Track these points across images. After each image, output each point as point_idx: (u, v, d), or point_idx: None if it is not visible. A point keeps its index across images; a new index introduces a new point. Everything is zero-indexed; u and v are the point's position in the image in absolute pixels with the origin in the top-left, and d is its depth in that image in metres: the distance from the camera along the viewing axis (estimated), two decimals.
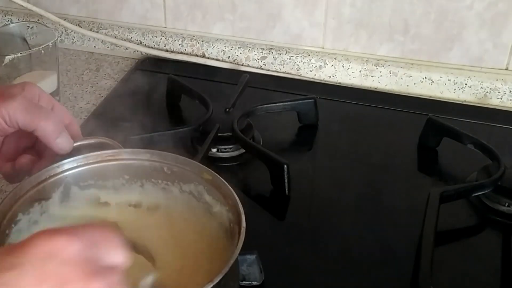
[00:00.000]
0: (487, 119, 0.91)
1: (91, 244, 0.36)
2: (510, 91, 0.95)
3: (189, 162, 0.60)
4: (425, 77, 0.98)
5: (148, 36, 1.10)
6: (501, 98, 0.96)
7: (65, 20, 1.12)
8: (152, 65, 1.06)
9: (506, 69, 0.96)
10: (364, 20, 0.99)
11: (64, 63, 1.09)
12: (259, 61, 1.04)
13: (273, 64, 1.04)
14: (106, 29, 1.12)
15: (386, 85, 1.00)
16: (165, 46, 1.09)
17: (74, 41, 1.15)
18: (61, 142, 0.58)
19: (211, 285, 0.46)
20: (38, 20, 1.08)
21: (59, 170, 0.60)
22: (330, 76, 1.02)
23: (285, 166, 0.74)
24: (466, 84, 0.96)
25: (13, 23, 1.01)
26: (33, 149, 0.63)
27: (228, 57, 1.06)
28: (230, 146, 0.82)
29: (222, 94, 0.90)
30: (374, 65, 1.00)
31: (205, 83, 0.94)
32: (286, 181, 0.75)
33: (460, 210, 0.74)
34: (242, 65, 1.05)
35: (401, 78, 0.99)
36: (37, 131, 0.57)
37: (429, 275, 0.60)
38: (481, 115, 0.92)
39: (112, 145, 0.63)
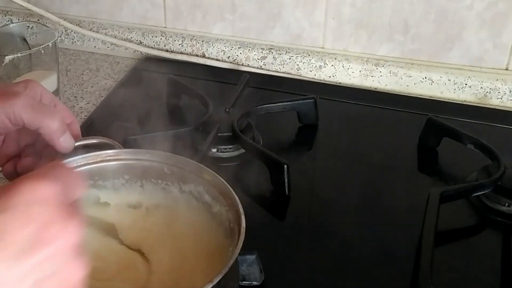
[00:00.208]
0: (487, 119, 0.91)
1: (64, 185, 0.39)
2: (510, 91, 0.95)
3: (189, 162, 0.60)
4: (425, 77, 0.98)
5: (148, 36, 1.10)
6: (501, 98, 0.96)
7: (65, 20, 1.12)
8: (152, 65, 1.06)
9: (506, 69, 0.96)
10: (364, 20, 0.99)
11: (64, 63, 1.09)
12: (259, 61, 1.04)
13: (273, 64, 1.04)
14: (106, 29, 1.12)
15: (386, 85, 1.00)
16: (165, 46, 1.09)
17: (74, 41, 1.15)
18: (64, 141, 0.59)
19: (211, 285, 0.46)
20: (38, 20, 1.08)
21: None
22: (330, 76, 1.02)
23: (285, 166, 0.74)
24: (466, 84, 0.96)
25: (13, 23, 1.01)
26: (33, 147, 0.63)
27: (228, 57, 1.06)
28: (230, 146, 0.82)
29: (222, 94, 0.90)
30: (374, 65, 1.00)
31: (205, 83, 0.93)
32: (286, 181, 0.75)
33: (460, 210, 0.74)
34: (242, 65, 1.05)
35: (401, 78, 0.99)
36: (42, 129, 0.58)
37: (429, 275, 0.60)
38: (481, 115, 0.92)
39: (112, 145, 0.63)
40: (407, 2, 0.96)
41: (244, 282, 0.60)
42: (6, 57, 0.83)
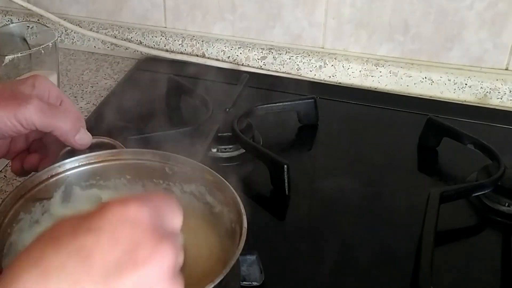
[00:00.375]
0: (487, 119, 0.91)
1: (157, 209, 0.38)
2: (510, 91, 0.95)
3: (190, 163, 0.60)
4: (425, 77, 0.98)
5: (148, 36, 1.10)
6: (501, 98, 0.96)
7: (65, 20, 1.12)
8: (152, 65, 1.06)
9: (506, 69, 0.96)
10: (364, 20, 0.99)
11: (64, 63, 1.09)
12: (259, 61, 1.04)
13: (273, 64, 1.04)
14: (106, 29, 1.12)
15: (386, 85, 1.00)
16: (165, 46, 1.09)
17: (74, 41, 1.15)
18: (80, 139, 0.60)
19: (212, 286, 0.46)
20: (38, 20, 1.08)
21: (61, 169, 0.60)
22: (330, 76, 1.02)
23: (285, 166, 0.74)
24: (466, 84, 0.96)
25: (13, 23, 1.01)
26: (40, 141, 0.64)
27: (228, 57, 1.06)
28: (230, 146, 0.82)
29: (222, 94, 0.90)
30: (374, 65, 1.00)
31: (205, 83, 0.93)
32: (286, 181, 0.75)
33: (460, 210, 0.74)
34: (242, 65, 1.05)
35: (401, 78, 0.99)
36: (55, 132, 0.58)
37: (429, 275, 0.60)
38: (481, 115, 0.92)
39: (114, 145, 0.63)
40: (407, 2, 0.96)
41: (244, 282, 0.60)
42: (6, 57, 0.83)
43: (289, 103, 0.89)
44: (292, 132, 0.90)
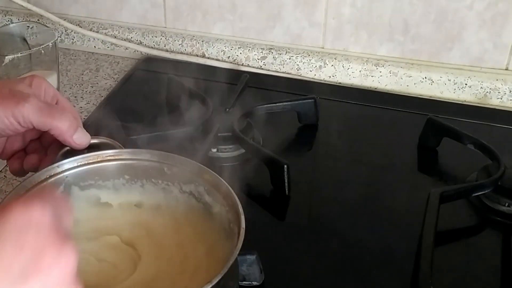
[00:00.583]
0: (487, 119, 0.91)
1: (56, 211, 0.39)
2: (510, 91, 0.95)
3: (189, 162, 0.60)
4: (425, 77, 0.98)
5: (148, 36, 1.10)
6: (501, 98, 0.96)
7: (65, 20, 1.12)
8: (152, 65, 1.06)
9: (506, 69, 0.96)
10: (364, 20, 0.99)
11: (64, 63, 1.09)
12: (259, 61, 1.04)
13: (273, 64, 1.04)
14: (106, 29, 1.12)
15: (386, 85, 1.00)
16: (165, 46, 1.09)
17: (74, 41, 1.15)
18: (78, 138, 0.59)
19: (210, 286, 0.46)
20: (38, 20, 1.08)
21: (59, 170, 0.60)
22: (330, 76, 1.02)
23: (285, 166, 0.74)
24: (466, 84, 0.96)
25: (13, 23, 1.01)
26: (38, 141, 0.64)
27: (228, 57, 1.06)
28: (230, 146, 0.82)
29: (222, 94, 0.90)
30: (374, 65, 1.00)
31: (205, 83, 0.93)
32: (286, 181, 0.75)
33: (460, 210, 0.74)
34: (242, 65, 1.05)
35: (401, 78, 0.99)
36: (53, 131, 0.58)
37: (429, 275, 0.60)
38: (481, 115, 0.92)
39: (113, 145, 0.63)
40: (407, 2, 0.96)
41: (244, 282, 0.60)
42: (6, 57, 0.83)
43: (289, 103, 0.89)
44: (292, 132, 0.90)
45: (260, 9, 1.03)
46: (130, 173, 0.62)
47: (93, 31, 1.12)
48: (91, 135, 0.62)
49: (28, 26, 0.93)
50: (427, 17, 0.96)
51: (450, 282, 0.65)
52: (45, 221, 0.37)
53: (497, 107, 0.96)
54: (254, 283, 0.61)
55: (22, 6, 1.13)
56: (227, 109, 0.86)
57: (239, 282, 0.59)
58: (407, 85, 0.99)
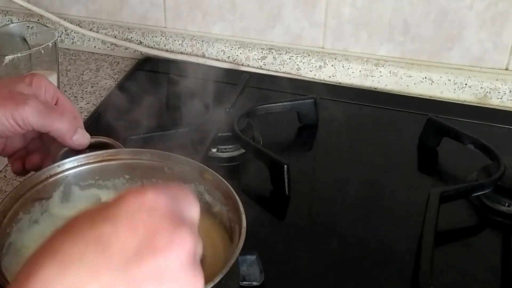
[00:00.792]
0: (487, 119, 0.91)
1: (174, 198, 0.38)
2: (510, 91, 0.95)
3: (189, 162, 0.60)
4: (425, 77, 0.98)
5: (148, 36, 1.10)
6: (501, 98, 0.96)
7: (65, 20, 1.12)
8: (152, 65, 1.06)
9: (506, 69, 0.96)
10: (364, 20, 0.99)
11: (64, 63, 1.09)
12: (259, 61, 1.04)
13: (273, 64, 1.04)
14: (106, 29, 1.12)
15: (386, 85, 1.00)
16: (165, 46, 1.09)
17: (74, 41, 1.15)
18: (78, 139, 0.60)
19: (211, 285, 0.46)
20: (38, 20, 1.08)
21: (60, 169, 0.60)
22: (330, 76, 1.02)
23: (285, 166, 0.74)
24: (466, 84, 0.96)
25: (13, 23, 1.01)
26: (40, 140, 0.64)
27: (228, 57, 1.06)
28: (230, 146, 0.82)
29: (222, 94, 0.90)
30: (374, 65, 1.00)
31: (205, 83, 0.93)
32: (286, 181, 0.75)
33: (460, 210, 0.74)
34: (242, 65, 1.05)
35: (401, 78, 0.99)
36: (52, 133, 0.58)
37: (429, 275, 0.60)
38: (481, 115, 0.92)
39: (113, 144, 0.63)
40: (407, 2, 0.96)
41: (244, 282, 0.60)
42: (6, 57, 0.83)
43: (289, 103, 0.89)
44: (292, 132, 0.90)
45: (260, 9, 1.03)
46: (130, 173, 0.62)
47: (93, 31, 1.12)
48: (91, 135, 0.62)
49: (28, 26, 0.93)
50: (427, 17, 0.96)
51: (450, 282, 0.65)
52: (158, 204, 0.37)
53: (497, 107, 0.96)
54: (254, 283, 0.61)
55: (22, 6, 1.13)
56: (227, 109, 0.86)
57: (239, 282, 0.59)
58: (407, 85, 0.99)
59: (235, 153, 0.83)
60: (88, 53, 1.13)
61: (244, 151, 0.82)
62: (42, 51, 0.86)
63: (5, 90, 0.58)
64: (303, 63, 1.02)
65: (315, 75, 1.03)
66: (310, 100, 0.89)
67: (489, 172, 0.75)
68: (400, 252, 0.68)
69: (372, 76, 1.00)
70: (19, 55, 0.84)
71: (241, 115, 0.84)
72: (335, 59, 1.01)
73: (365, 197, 0.76)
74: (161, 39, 1.09)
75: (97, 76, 1.05)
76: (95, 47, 1.14)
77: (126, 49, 1.11)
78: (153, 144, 0.69)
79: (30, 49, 0.90)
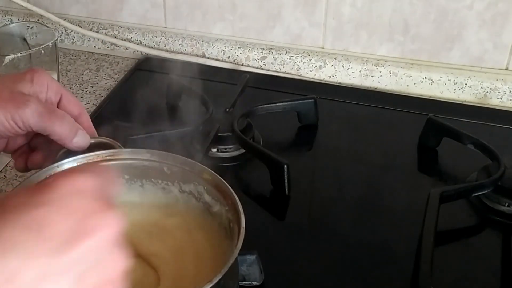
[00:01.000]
0: (487, 119, 0.91)
1: (100, 179, 0.40)
2: (510, 91, 0.95)
3: (189, 162, 0.60)
4: (425, 77, 0.98)
5: (148, 36, 1.10)
6: (501, 98, 0.96)
7: (65, 20, 1.12)
8: (152, 65, 1.06)
9: (506, 69, 0.96)
10: (364, 20, 0.99)
11: (64, 63, 1.09)
12: (259, 61, 1.04)
13: (273, 64, 1.04)
14: (106, 29, 1.12)
15: (386, 85, 1.00)
16: (165, 46, 1.09)
17: (74, 41, 1.15)
18: (78, 141, 0.60)
19: (210, 285, 0.46)
20: (38, 20, 1.08)
21: (59, 169, 0.59)
22: (330, 76, 1.02)
23: (285, 166, 0.74)
24: (466, 84, 0.96)
25: (13, 23, 1.01)
26: (42, 136, 0.63)
27: (228, 57, 1.06)
28: (230, 146, 0.82)
29: (222, 94, 0.90)
30: (374, 65, 1.00)
31: (205, 83, 0.93)
32: (286, 181, 0.75)
33: (460, 210, 0.74)
34: (242, 65, 1.05)
35: (401, 78, 0.99)
36: (52, 136, 0.58)
37: (429, 275, 0.60)
38: (481, 115, 0.92)
39: (112, 144, 0.63)
40: (407, 2, 0.96)
41: (244, 282, 0.60)
42: (6, 57, 0.83)
43: (289, 103, 0.89)
44: (292, 132, 0.90)
45: (260, 9, 1.03)
46: (130, 173, 0.62)
47: (93, 31, 1.12)
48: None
49: (28, 26, 0.93)
50: (427, 17, 0.96)
51: (450, 282, 0.65)
52: (88, 188, 0.38)
53: (497, 107, 0.96)
54: (254, 283, 0.61)
55: (22, 6, 1.13)
56: (227, 109, 0.86)
57: (239, 282, 0.58)
58: (407, 85, 0.99)
59: (235, 153, 0.83)
60: (88, 53, 1.13)
61: (244, 151, 0.82)
62: (42, 51, 0.86)
63: (6, 91, 0.57)
64: (303, 63, 1.02)
65: (315, 75, 1.03)
66: (310, 100, 0.89)
67: (489, 172, 0.75)
68: (400, 252, 0.68)
69: (372, 76, 1.00)
70: (19, 55, 0.84)
71: (241, 115, 0.84)
72: (335, 59, 1.01)
73: (365, 197, 0.76)
74: (161, 39, 1.09)
75: (97, 76, 1.05)
76: (95, 47, 1.14)
77: (126, 49, 1.11)
78: (153, 144, 0.68)
79: (30, 49, 0.90)
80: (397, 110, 0.94)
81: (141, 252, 0.57)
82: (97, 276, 0.37)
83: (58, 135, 0.58)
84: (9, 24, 1.04)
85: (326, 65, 1.01)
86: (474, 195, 0.74)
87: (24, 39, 0.92)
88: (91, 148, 0.61)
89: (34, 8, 1.12)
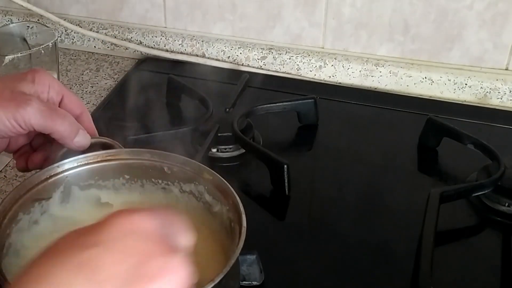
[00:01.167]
0: (487, 119, 0.91)
1: (165, 222, 0.37)
2: (510, 91, 0.95)
3: (189, 162, 0.60)
4: (425, 77, 0.98)
5: (148, 36, 1.10)
6: (501, 98, 0.96)
7: (65, 20, 1.12)
8: (152, 65, 1.06)
9: (506, 69, 0.96)
10: (364, 20, 0.99)
11: (64, 63, 1.09)
12: (259, 61, 1.04)
13: (273, 64, 1.04)
14: (106, 29, 1.12)
15: (386, 85, 1.00)
16: (165, 46, 1.09)
17: (74, 41, 1.15)
18: (79, 141, 0.59)
19: (212, 285, 0.46)
20: (38, 20, 1.08)
21: (59, 170, 0.60)
22: (330, 76, 1.02)
23: (285, 166, 0.74)
24: (466, 84, 0.96)
25: (13, 23, 1.01)
26: (44, 135, 0.63)
27: (228, 57, 1.06)
28: (230, 146, 0.82)
29: (222, 94, 0.90)
30: (374, 65, 1.00)
31: (205, 83, 0.93)
32: (286, 181, 0.75)
33: (460, 210, 0.74)
34: (242, 65, 1.05)
35: (401, 78, 0.99)
36: (54, 135, 0.58)
37: (429, 275, 0.60)
38: (481, 115, 0.92)
39: (113, 145, 0.63)
40: (407, 2, 0.96)
41: (244, 282, 0.60)
42: (6, 57, 0.83)
43: (289, 103, 0.89)
44: (292, 132, 0.90)
45: (260, 9, 1.03)
46: (130, 173, 0.62)
47: (93, 31, 1.12)
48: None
49: (28, 26, 0.93)
50: (427, 17, 0.96)
51: (450, 282, 0.65)
52: (150, 228, 0.35)
53: (497, 107, 0.96)
54: (254, 283, 0.61)
55: (22, 6, 1.13)
56: (227, 109, 0.86)
57: (239, 282, 0.58)
58: (407, 85, 0.99)
59: (235, 153, 0.83)
60: (88, 53, 1.13)
61: (244, 151, 0.82)
62: (42, 51, 0.86)
63: (7, 91, 0.57)
64: (303, 63, 1.02)
65: (315, 75, 1.03)
66: (310, 100, 0.89)
67: (489, 172, 0.75)
68: (400, 252, 0.68)
69: (372, 76, 1.00)
70: (19, 55, 0.84)
71: (241, 115, 0.84)
72: (335, 59, 1.01)
73: (365, 197, 0.76)
74: (161, 39, 1.09)
75: (97, 76, 1.05)
76: (95, 47, 1.14)
77: (126, 49, 1.11)
78: (153, 144, 0.69)
79: (30, 49, 0.90)
80: (397, 110, 0.94)
81: None
82: None
83: (60, 134, 0.58)
84: (9, 24, 1.04)
85: (326, 65, 1.01)
86: (474, 195, 0.74)
87: (24, 39, 0.92)
88: (92, 148, 0.61)
89: (34, 8, 1.12)
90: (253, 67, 1.05)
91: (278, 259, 0.67)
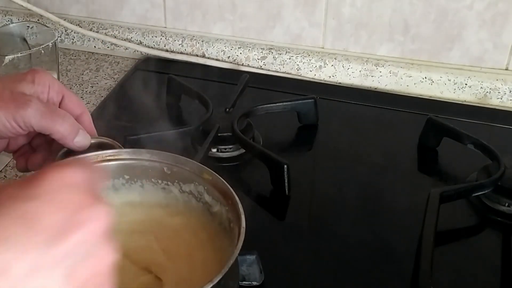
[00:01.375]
0: (487, 119, 0.91)
1: (88, 173, 0.40)
2: (510, 91, 0.95)
3: (189, 162, 0.60)
4: (425, 77, 0.98)
5: (148, 36, 1.10)
6: (501, 98, 0.96)
7: (65, 20, 1.12)
8: (152, 65, 1.06)
9: (506, 69, 0.96)
10: (364, 20, 0.99)
11: (64, 63, 1.09)
12: (259, 61, 1.04)
13: (273, 64, 1.04)
14: (106, 29, 1.12)
15: (386, 85, 1.00)
16: (165, 46, 1.09)
17: (74, 41, 1.15)
18: (79, 141, 0.60)
19: (211, 285, 0.46)
20: (38, 20, 1.08)
21: None
22: (330, 76, 1.02)
23: (285, 166, 0.74)
24: (466, 84, 0.96)
25: (13, 23, 1.01)
26: (44, 136, 0.63)
27: (228, 57, 1.06)
28: (230, 146, 0.82)
29: (222, 94, 0.90)
30: (374, 65, 1.00)
31: (205, 83, 0.93)
32: (286, 181, 0.75)
33: (460, 210, 0.74)
34: (242, 65, 1.05)
35: (401, 78, 0.99)
36: (54, 135, 0.58)
37: (429, 275, 0.60)
38: (481, 115, 0.92)
39: (112, 145, 0.63)
40: (407, 2, 0.96)
41: (244, 282, 0.60)
42: (6, 57, 0.83)
43: (289, 103, 0.89)
44: (292, 132, 0.90)
45: (260, 9, 1.03)
46: (130, 173, 0.62)
47: (93, 31, 1.12)
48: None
49: (28, 26, 0.93)
50: (427, 17, 0.96)
51: (450, 282, 0.65)
52: (77, 181, 0.38)
53: (497, 107, 0.96)
54: (254, 283, 0.61)
55: (22, 6, 1.13)
56: (227, 109, 0.86)
57: (239, 282, 0.58)
58: (407, 85, 0.99)
59: (235, 153, 0.83)
60: (88, 53, 1.13)
61: (244, 151, 0.82)
62: (42, 51, 0.86)
63: (7, 91, 0.57)
64: (303, 63, 1.02)
65: (315, 75, 1.03)
66: (310, 100, 0.89)
67: (489, 172, 0.75)
68: (400, 252, 0.68)
69: (372, 76, 1.00)
70: (19, 55, 0.84)
71: (241, 115, 0.84)
72: (335, 59, 1.01)
73: (365, 197, 0.76)
74: (161, 39, 1.09)
75: (97, 76, 1.05)
76: (95, 47, 1.14)
77: (126, 49, 1.11)
78: (153, 144, 0.68)
79: (30, 49, 0.90)
80: (397, 110, 0.94)
81: (143, 256, 0.57)
82: (87, 269, 0.37)
83: (60, 135, 0.58)
84: (9, 24, 1.04)
85: (326, 65, 1.01)
86: (474, 195, 0.74)
87: (24, 39, 0.92)
88: (91, 148, 0.61)
89: (34, 8, 1.12)
90: (253, 67, 1.05)
91: (278, 259, 0.67)
